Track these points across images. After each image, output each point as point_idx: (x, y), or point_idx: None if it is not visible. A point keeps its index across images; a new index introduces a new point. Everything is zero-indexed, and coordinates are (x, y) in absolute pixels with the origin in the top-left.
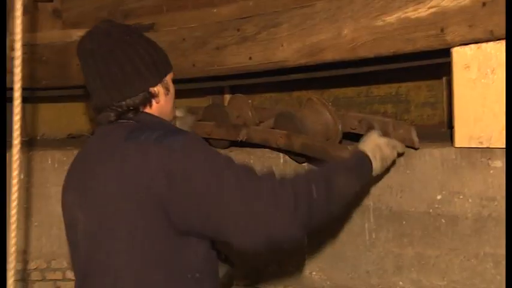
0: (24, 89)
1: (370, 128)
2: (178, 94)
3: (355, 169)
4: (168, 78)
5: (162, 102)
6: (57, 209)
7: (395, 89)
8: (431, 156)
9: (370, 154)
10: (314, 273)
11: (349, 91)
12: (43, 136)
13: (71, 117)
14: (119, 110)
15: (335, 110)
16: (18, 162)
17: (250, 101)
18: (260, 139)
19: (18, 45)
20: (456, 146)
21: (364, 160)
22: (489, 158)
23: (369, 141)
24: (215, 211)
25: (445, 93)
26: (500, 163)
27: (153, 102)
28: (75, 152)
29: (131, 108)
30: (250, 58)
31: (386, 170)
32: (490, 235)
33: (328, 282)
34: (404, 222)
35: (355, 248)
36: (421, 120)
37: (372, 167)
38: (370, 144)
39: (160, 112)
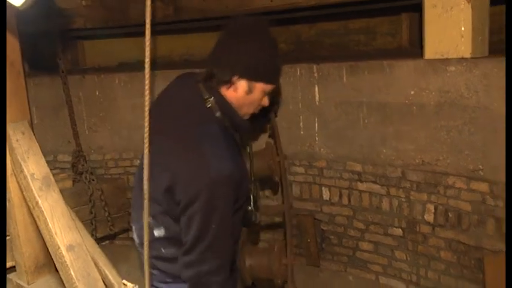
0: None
1: None
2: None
3: None
4: (260, 86)
5: (238, 95)
6: (126, 116)
7: (366, 23)
8: (407, 66)
9: None
10: (322, 149)
11: (332, 25)
12: (98, 65)
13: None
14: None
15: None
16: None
17: None
18: None
19: None
20: (426, 58)
21: None
22: (446, 65)
23: None
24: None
25: (404, 25)
26: (453, 68)
27: (231, 88)
28: (135, 73)
29: (219, 73)
30: None
31: None
32: (445, 114)
33: (332, 155)
34: (387, 110)
35: (352, 130)
36: (384, 45)
37: None
38: None
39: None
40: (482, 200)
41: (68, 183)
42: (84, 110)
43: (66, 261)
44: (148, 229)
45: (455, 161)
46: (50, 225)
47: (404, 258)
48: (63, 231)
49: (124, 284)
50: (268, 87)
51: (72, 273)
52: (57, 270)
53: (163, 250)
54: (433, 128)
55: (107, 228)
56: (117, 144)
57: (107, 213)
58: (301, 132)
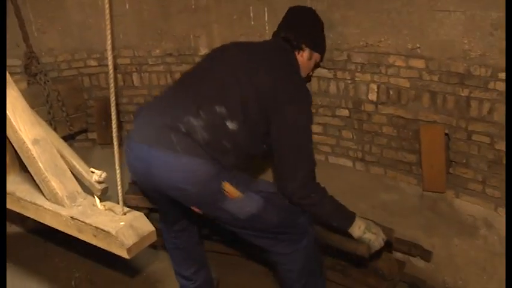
0: None
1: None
2: None
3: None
4: (316, 56)
5: (304, 60)
6: (76, 17)
7: None
8: None
9: (359, 224)
10: None
11: None
12: None
13: None
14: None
15: None
16: None
17: None
18: None
19: None
20: None
21: (350, 221)
22: None
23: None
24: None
25: None
26: None
27: (301, 53)
28: None
29: (294, 40)
30: None
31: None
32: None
33: None
34: None
35: None
36: None
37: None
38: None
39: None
40: (419, 76)
41: (23, 85)
42: (30, 11)
43: (33, 155)
44: (221, 119)
45: (395, 40)
46: (12, 121)
47: (351, 136)
48: (27, 126)
49: (92, 171)
50: (319, 58)
51: (41, 165)
52: (21, 170)
53: (225, 143)
54: (375, 12)
55: (66, 129)
56: (68, 45)
57: (65, 114)
58: (252, 23)
